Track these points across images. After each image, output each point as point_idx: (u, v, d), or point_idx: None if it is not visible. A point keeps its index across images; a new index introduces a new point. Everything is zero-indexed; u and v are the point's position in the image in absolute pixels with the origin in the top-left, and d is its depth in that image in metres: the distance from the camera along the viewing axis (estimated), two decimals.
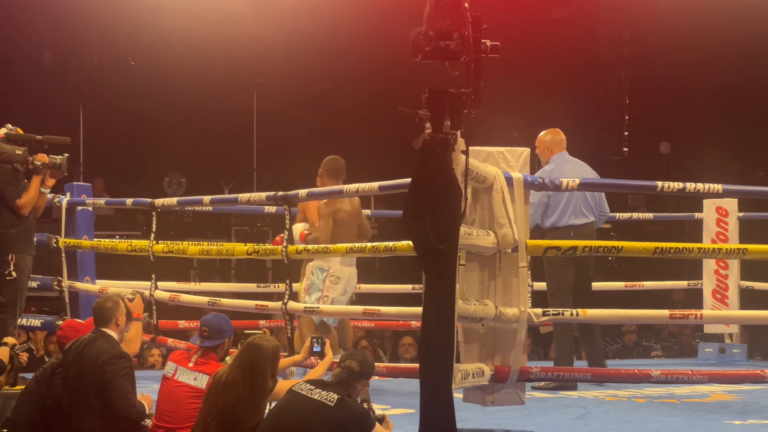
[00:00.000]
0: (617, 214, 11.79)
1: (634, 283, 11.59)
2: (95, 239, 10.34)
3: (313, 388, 5.84)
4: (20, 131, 8.41)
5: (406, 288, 11.33)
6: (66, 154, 8.50)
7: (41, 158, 8.40)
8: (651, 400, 8.18)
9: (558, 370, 6.90)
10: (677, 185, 6.99)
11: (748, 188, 8.41)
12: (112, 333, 6.77)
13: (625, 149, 17.05)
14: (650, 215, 12.63)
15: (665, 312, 7.03)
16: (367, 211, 12.43)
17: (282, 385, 6.06)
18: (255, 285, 11.59)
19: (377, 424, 5.98)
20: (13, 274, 8.32)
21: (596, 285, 11.97)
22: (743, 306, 10.96)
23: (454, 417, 5.04)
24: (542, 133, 9.26)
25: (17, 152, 8.28)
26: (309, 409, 5.71)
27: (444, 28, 5.11)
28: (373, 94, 15.75)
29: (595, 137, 17.46)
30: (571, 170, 8.72)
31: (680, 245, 6.90)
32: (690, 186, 7.05)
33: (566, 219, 8.91)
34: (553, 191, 6.54)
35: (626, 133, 17.16)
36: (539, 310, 6.35)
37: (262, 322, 9.96)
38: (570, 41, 16.24)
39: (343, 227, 8.91)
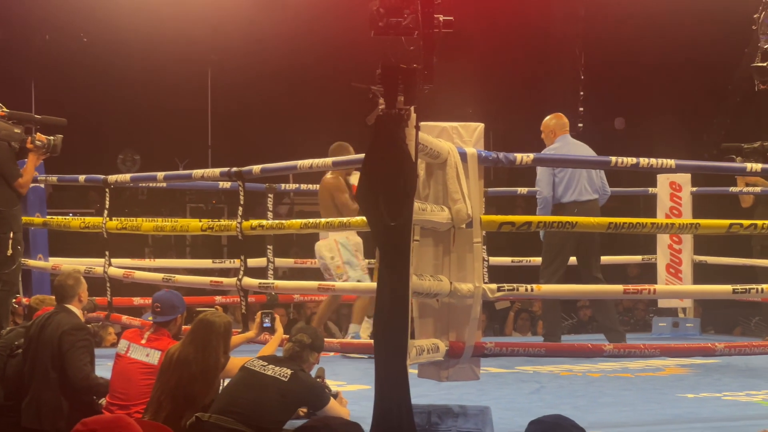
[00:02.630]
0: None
1: None
2: (47, 216, 10.27)
3: (266, 364, 5.84)
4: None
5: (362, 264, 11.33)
6: (60, 135, 8.67)
7: (41, 138, 8.58)
8: (605, 375, 8.23)
9: (512, 345, 6.91)
10: (631, 160, 7.02)
11: (701, 163, 8.49)
12: (75, 309, 6.82)
13: (580, 125, 17.07)
14: None
15: (619, 287, 7.07)
16: None
17: (234, 363, 6.06)
18: (210, 261, 11.56)
19: (332, 399, 6.00)
20: (18, 248, 8.58)
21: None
22: (696, 280, 11.05)
23: (409, 392, 5.04)
24: (547, 117, 9.86)
25: (16, 131, 8.45)
26: (263, 386, 5.72)
27: (394, 3, 5.09)
28: (329, 70, 15.69)
29: (551, 113, 17.47)
30: (574, 150, 9.38)
31: (634, 220, 6.93)
32: (643, 161, 7.07)
33: (569, 195, 9.47)
34: (507, 165, 6.52)
35: (581, 109, 17.17)
36: (494, 286, 6.36)
37: (217, 299, 9.92)
38: (525, 17, 16.22)
39: None
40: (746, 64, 10.67)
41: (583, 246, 9.53)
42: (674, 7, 15.08)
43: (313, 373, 6.20)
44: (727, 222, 7.03)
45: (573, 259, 9.70)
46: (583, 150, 9.53)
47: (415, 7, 5.08)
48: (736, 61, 14.22)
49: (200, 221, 9.61)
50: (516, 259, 11.12)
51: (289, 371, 5.79)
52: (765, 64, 8.75)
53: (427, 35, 5.05)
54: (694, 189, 11.10)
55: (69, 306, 6.85)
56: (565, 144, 9.56)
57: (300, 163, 7.64)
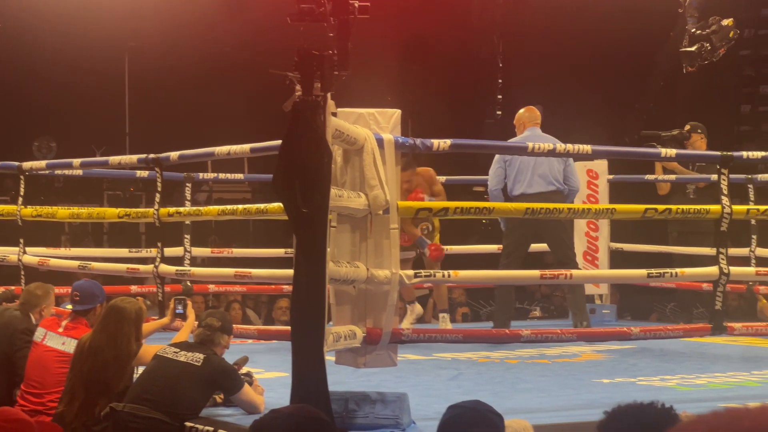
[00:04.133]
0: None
1: None
2: None
3: (178, 350, 5.82)
4: None
5: (279, 252, 11.30)
6: None
7: None
8: (523, 361, 8.27)
9: (430, 331, 6.92)
10: (547, 146, 7.05)
11: (616, 149, 8.54)
12: (32, 316, 6.83)
13: (499, 112, 17.15)
14: None
15: (536, 272, 7.09)
16: (240, 175, 12.38)
17: (147, 350, 6.03)
18: (127, 250, 11.47)
19: (246, 384, 5.99)
20: None
21: (469, 248, 12.10)
22: (613, 267, 11.13)
23: (326, 379, 5.03)
24: (520, 110, 9.91)
25: None
26: (177, 372, 5.69)
27: None
28: (247, 56, 15.63)
29: (470, 101, 17.55)
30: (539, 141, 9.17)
31: (551, 206, 6.97)
32: (560, 147, 7.11)
33: (518, 188, 9.55)
34: (424, 152, 6.53)
35: (500, 97, 17.26)
36: (411, 272, 6.35)
37: (133, 287, 9.85)
38: (443, 4, 16.26)
39: None
40: (671, 47, 10.74)
41: (548, 234, 9.57)
42: None
43: (231, 360, 6.19)
44: (643, 207, 7.10)
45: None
46: (547, 140, 9.35)
47: None
48: (659, 45, 14.35)
49: (117, 209, 9.52)
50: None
51: (201, 356, 5.78)
52: (693, 48, 8.83)
53: (341, 21, 5.03)
54: (611, 177, 11.19)
55: (29, 313, 6.87)
56: (531, 136, 9.50)
57: (218, 149, 7.59)
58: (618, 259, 11.31)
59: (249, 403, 5.95)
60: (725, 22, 8.86)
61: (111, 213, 9.04)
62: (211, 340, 5.99)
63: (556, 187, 9.53)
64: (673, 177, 10.72)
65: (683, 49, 8.88)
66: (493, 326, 9.64)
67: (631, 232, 11.63)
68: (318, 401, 4.92)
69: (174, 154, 8.00)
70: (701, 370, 7.75)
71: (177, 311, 6.79)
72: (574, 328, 9.31)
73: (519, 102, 17.32)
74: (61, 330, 6.56)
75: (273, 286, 11.15)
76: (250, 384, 6.13)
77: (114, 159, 8.63)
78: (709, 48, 8.79)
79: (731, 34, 8.89)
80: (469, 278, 7.88)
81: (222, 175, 11.23)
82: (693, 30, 8.84)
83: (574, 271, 7.83)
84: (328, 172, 5.15)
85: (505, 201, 9.42)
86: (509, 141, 9.52)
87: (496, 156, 9.70)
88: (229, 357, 6.32)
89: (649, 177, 10.90)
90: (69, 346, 6.40)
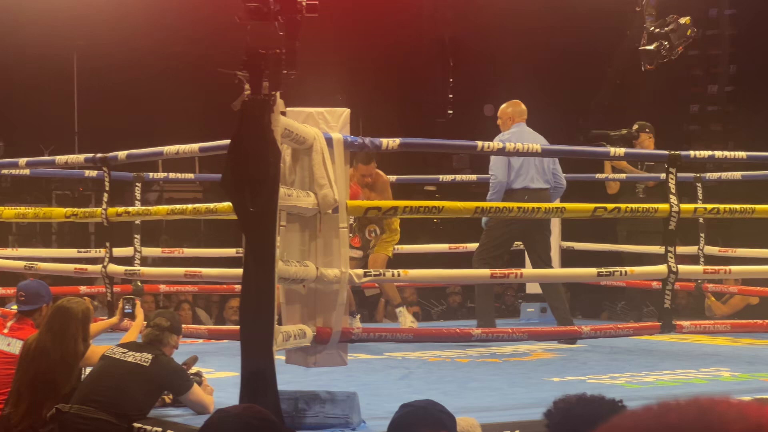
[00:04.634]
0: (440, 177, 11.93)
1: (458, 245, 11.71)
2: None
3: (126, 350, 5.78)
4: None
5: (231, 252, 11.26)
6: None
7: None
8: (473, 360, 8.28)
9: (379, 330, 6.92)
10: (497, 145, 7.09)
11: (566, 148, 8.55)
12: None
13: (450, 111, 17.18)
14: (474, 177, 12.74)
15: (486, 271, 7.12)
16: (191, 175, 12.32)
17: (95, 351, 5.98)
18: (76, 250, 11.39)
19: (195, 384, 5.96)
20: None
21: (421, 247, 12.11)
22: (564, 266, 11.16)
23: (276, 379, 5.02)
24: (504, 105, 9.59)
25: None
26: (125, 373, 5.66)
27: None
28: (198, 55, 15.55)
29: (421, 99, 17.56)
30: (527, 138, 9.04)
31: (500, 204, 6.99)
32: (509, 146, 7.13)
33: (520, 181, 9.27)
34: (373, 150, 6.53)
35: (451, 96, 17.28)
36: (360, 271, 6.35)
37: (82, 288, 9.78)
38: (394, 3, 16.26)
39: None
40: (627, 46, 10.77)
41: (535, 232, 9.47)
42: None
43: (181, 360, 6.16)
44: (592, 206, 7.13)
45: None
46: (536, 137, 9.27)
47: None
48: (615, 44, 14.38)
49: (64, 209, 9.45)
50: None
51: (150, 356, 5.75)
52: (653, 47, 8.87)
53: (289, 20, 5.01)
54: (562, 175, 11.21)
55: None
56: (519, 132, 9.29)
57: (166, 149, 7.55)
58: (569, 258, 11.35)
59: (198, 403, 5.92)
60: (683, 20, 8.92)
61: (58, 213, 8.97)
62: (160, 340, 5.96)
63: (549, 184, 9.46)
64: (623, 176, 10.77)
65: (642, 48, 8.92)
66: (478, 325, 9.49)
67: (583, 230, 11.68)
68: (267, 401, 4.91)
69: (122, 154, 7.95)
70: (650, 367, 7.79)
71: (125, 311, 6.75)
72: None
73: (473, 101, 17.46)
74: (6, 331, 6.51)
75: (224, 286, 11.12)
76: (200, 384, 6.10)
77: (61, 158, 8.56)
78: (668, 46, 8.85)
79: (689, 32, 8.96)
80: (418, 277, 7.89)
81: (172, 175, 11.18)
82: (652, 28, 8.88)
83: (525, 270, 7.84)
84: (277, 171, 5.14)
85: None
86: (498, 138, 9.26)
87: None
88: (179, 357, 6.29)
89: (600, 176, 10.94)
90: (14, 347, 6.35)
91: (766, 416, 1.16)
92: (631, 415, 1.20)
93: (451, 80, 17.32)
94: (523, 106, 9.55)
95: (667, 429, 1.16)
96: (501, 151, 7.10)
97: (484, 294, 9.58)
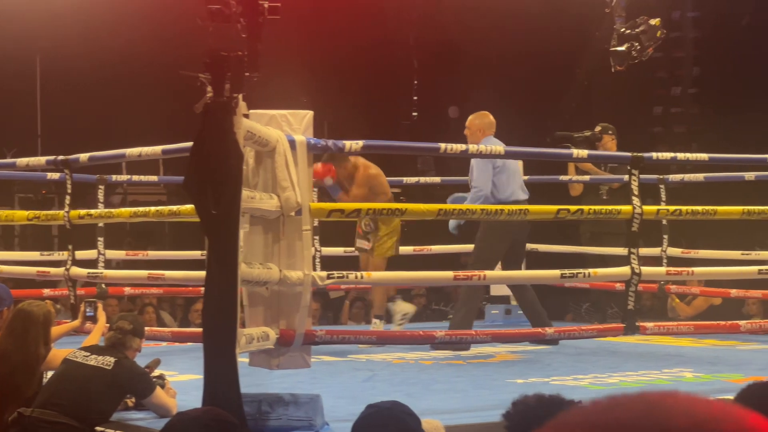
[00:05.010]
0: (404, 179, 11.94)
1: (422, 247, 11.72)
2: None
3: (88, 354, 5.76)
4: None
5: (195, 254, 11.22)
6: None
7: None
8: (437, 362, 8.29)
9: (343, 332, 6.92)
10: (460, 147, 7.08)
11: (529, 150, 8.56)
12: None
13: (415, 113, 17.18)
14: (438, 179, 12.76)
15: (449, 273, 7.11)
16: (155, 177, 12.28)
17: (56, 354, 5.95)
18: (38, 253, 11.32)
19: (158, 387, 5.94)
20: None
21: None
22: (528, 268, 11.17)
23: (238, 381, 5.01)
24: (472, 116, 9.41)
25: None
26: (87, 376, 5.63)
27: None
28: (162, 58, 15.48)
29: (385, 101, 17.55)
30: None
31: (463, 206, 7.01)
32: (472, 148, 7.16)
33: (509, 194, 9.14)
34: (336, 152, 6.53)
35: (415, 98, 17.28)
36: (323, 273, 6.36)
37: (45, 291, 9.72)
38: (358, 4, 16.24)
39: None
40: (596, 47, 10.80)
41: (522, 239, 9.47)
42: None
43: (143, 363, 6.14)
44: (555, 208, 7.16)
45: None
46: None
47: None
48: (584, 45, 14.42)
49: (26, 211, 9.40)
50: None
51: (112, 359, 5.73)
52: (623, 48, 8.89)
53: (251, 22, 5.01)
54: (526, 177, 11.21)
55: None
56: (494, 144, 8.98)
57: (129, 151, 7.53)
58: (533, 260, 11.36)
59: (161, 406, 5.90)
60: (653, 21, 8.96)
61: (20, 215, 8.94)
62: (123, 344, 5.94)
63: (528, 195, 9.38)
64: (586, 178, 10.80)
65: (613, 49, 8.95)
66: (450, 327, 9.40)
67: (546, 232, 11.70)
68: (230, 403, 4.89)
69: (84, 156, 7.92)
70: (614, 369, 7.82)
71: (87, 314, 6.72)
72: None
73: (433, 103, 17.47)
74: None
75: (189, 289, 11.08)
76: (162, 387, 6.08)
77: (22, 161, 8.52)
78: (638, 47, 8.88)
79: (659, 34, 8.99)
80: (382, 279, 7.90)
81: (136, 177, 11.14)
82: (622, 30, 8.91)
83: (488, 272, 7.84)
84: (239, 173, 5.13)
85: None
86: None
87: (482, 160, 9.07)
88: (142, 360, 6.27)
89: (563, 178, 10.97)
90: None
91: (713, 411, 1.16)
92: (578, 410, 1.20)
93: (415, 82, 17.33)
94: (492, 118, 9.37)
95: (615, 424, 1.16)
96: (464, 153, 7.10)
97: (471, 298, 9.38)
